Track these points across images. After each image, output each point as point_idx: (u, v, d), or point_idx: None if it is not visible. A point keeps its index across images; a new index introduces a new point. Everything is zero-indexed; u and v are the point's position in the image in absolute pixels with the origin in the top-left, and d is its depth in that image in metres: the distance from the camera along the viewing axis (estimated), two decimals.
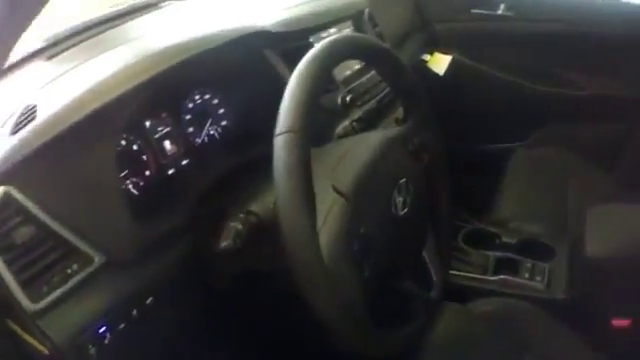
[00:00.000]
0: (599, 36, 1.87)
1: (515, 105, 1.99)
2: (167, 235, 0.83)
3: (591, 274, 1.16)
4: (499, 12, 1.91)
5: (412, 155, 0.89)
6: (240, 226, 0.78)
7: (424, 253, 0.97)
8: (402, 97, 0.94)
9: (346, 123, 1.13)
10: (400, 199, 0.81)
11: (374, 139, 0.86)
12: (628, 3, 1.86)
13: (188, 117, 1.00)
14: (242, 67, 1.03)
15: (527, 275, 1.27)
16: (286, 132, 0.62)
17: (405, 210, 0.81)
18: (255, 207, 0.80)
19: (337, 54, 0.73)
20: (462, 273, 1.31)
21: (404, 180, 0.82)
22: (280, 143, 0.63)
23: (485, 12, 1.92)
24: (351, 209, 0.73)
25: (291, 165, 0.61)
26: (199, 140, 1.02)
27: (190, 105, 1.00)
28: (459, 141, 2.05)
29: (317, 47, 0.71)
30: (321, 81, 0.69)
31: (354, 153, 0.82)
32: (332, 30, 1.27)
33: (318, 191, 0.64)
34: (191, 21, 1.23)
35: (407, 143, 0.89)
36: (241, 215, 0.79)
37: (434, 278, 0.97)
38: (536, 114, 2.00)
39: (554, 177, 1.72)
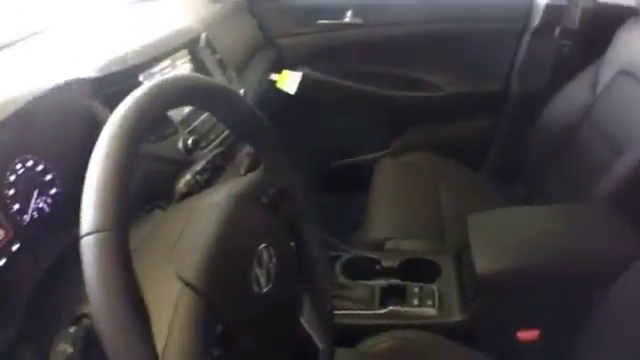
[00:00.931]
0: (448, 34, 1.89)
1: (373, 114, 1.95)
2: None
3: (484, 290, 1.10)
4: (346, 20, 1.85)
5: (268, 210, 0.73)
6: (74, 334, 0.59)
7: (302, 319, 0.82)
8: (247, 141, 0.79)
9: (188, 177, 0.95)
10: (262, 272, 0.65)
11: (218, 201, 0.69)
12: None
13: (12, 192, 0.76)
14: (65, 123, 0.82)
15: (416, 301, 1.17)
16: (94, 232, 0.45)
17: (270, 285, 0.65)
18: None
19: (147, 113, 0.55)
20: (347, 311, 1.18)
21: (263, 246, 0.66)
22: (87, 247, 0.45)
23: (332, 22, 1.86)
24: (203, 304, 0.55)
25: (107, 277, 0.44)
26: (27, 217, 0.79)
27: (12, 178, 0.77)
28: (319, 160, 2.00)
29: (122, 107, 0.53)
30: (133, 151, 0.51)
31: (197, 224, 0.65)
32: (165, 63, 1.09)
33: (158, 282, 0.51)
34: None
35: (260, 197, 0.73)
36: (74, 320, 0.61)
37: (319, 345, 0.83)
38: (396, 120, 1.98)
39: (423, 184, 1.67)
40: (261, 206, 0.72)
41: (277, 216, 0.75)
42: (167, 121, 1.00)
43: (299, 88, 1.59)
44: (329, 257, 1.33)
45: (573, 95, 1.60)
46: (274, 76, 1.63)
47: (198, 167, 0.98)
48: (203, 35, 1.24)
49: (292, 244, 0.81)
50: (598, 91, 1.53)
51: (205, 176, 0.99)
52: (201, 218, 0.66)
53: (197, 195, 0.81)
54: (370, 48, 1.90)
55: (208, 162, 1.01)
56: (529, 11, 1.86)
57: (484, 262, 1.08)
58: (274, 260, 0.67)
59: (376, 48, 1.91)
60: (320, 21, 1.85)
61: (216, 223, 0.64)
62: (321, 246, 0.88)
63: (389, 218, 1.51)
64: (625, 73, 1.45)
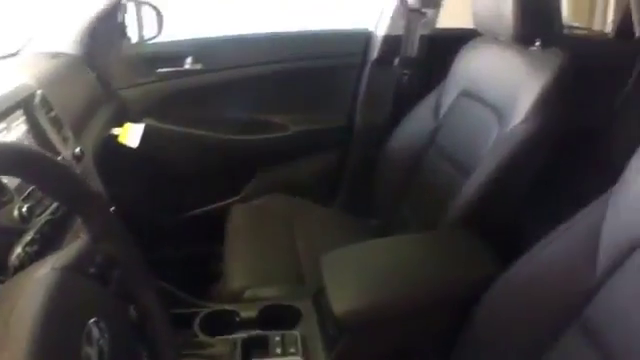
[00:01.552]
0: (289, 74, 1.93)
1: (221, 160, 1.92)
2: None
3: (345, 330, 1.09)
4: (186, 66, 1.83)
5: (96, 280, 0.68)
6: None
7: None
8: (70, 208, 0.73)
9: (19, 249, 0.86)
10: (93, 350, 0.60)
11: (42, 276, 0.63)
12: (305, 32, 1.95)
13: None
14: None
15: (279, 350, 1.14)
16: None
17: None
18: None
19: None
20: None
21: (93, 320, 0.61)
22: None
23: (172, 69, 1.82)
24: None
25: None
26: None
27: None
28: (170, 212, 1.92)
29: None
30: None
31: (23, 303, 0.58)
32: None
33: None
34: None
35: (87, 267, 0.68)
36: None
37: None
38: (244, 164, 1.97)
39: (277, 227, 1.66)
40: (89, 277, 0.67)
41: (107, 286, 0.70)
42: (3, 188, 0.91)
43: (142, 140, 1.53)
44: (186, 314, 1.27)
45: (417, 122, 1.67)
46: (116, 130, 1.55)
47: (28, 238, 0.90)
48: (38, 92, 1.16)
49: (131, 311, 0.76)
50: (441, 115, 1.61)
51: (35, 247, 0.90)
52: (26, 296, 0.59)
53: (26, 269, 0.73)
54: (212, 93, 1.89)
55: (37, 232, 0.93)
56: (368, 44, 1.96)
57: (340, 302, 1.06)
58: (106, 335, 0.62)
59: (218, 93, 1.90)
60: (160, 70, 1.81)
61: (40, 301, 0.58)
62: (164, 307, 0.83)
63: (245, 266, 1.48)
64: (466, 94, 1.54)
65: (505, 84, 1.41)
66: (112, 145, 1.52)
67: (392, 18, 1.92)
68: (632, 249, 0.74)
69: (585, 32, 2.64)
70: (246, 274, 1.44)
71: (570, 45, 1.37)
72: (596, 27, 3.32)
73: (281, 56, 1.92)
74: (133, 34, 1.73)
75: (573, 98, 1.35)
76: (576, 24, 4.31)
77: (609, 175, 0.84)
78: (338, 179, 2.04)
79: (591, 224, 0.82)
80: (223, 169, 1.92)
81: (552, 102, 1.31)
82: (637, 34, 2.42)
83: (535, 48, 1.40)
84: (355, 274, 1.13)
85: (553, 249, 0.88)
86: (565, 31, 1.70)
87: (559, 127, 1.34)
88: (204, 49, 1.85)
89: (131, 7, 1.68)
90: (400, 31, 1.91)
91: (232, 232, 1.64)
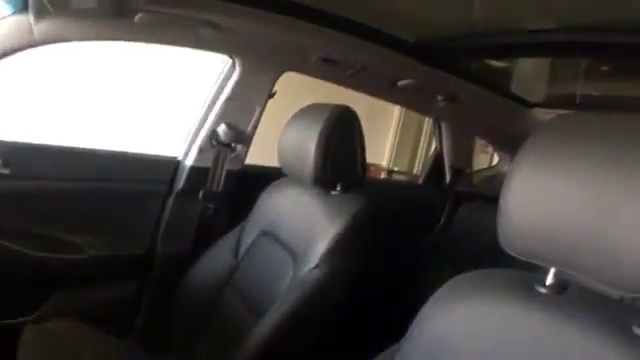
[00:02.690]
0: (93, 193, 1.79)
1: (13, 276, 1.68)
2: None
3: None
4: None
5: None
6: None
7: None
8: None
9: None
10: None
11: None
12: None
13: None
14: None
15: None
16: None
17: None
18: None
19: None
20: None
21: None
22: None
23: None
24: None
25: None
26: None
27: None
28: None
29: None
30: None
31: None
32: None
33: None
34: None
35: None
36: None
37: None
38: (39, 284, 1.75)
39: (68, 356, 1.46)
40: None
41: None
42: None
43: None
44: None
45: (217, 259, 1.63)
46: None
47: None
48: None
49: None
50: (240, 254, 1.59)
51: None
52: None
53: None
54: (16, 202, 1.70)
55: None
56: (176, 172, 1.91)
57: None
58: None
59: (22, 203, 1.72)
60: None
61: None
62: None
63: None
64: (265, 234, 1.55)
65: (302, 227, 1.44)
66: None
67: (201, 149, 1.90)
68: None
69: (402, 176, 2.86)
70: None
71: (374, 191, 1.43)
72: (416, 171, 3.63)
73: (88, 173, 1.81)
74: None
75: (371, 243, 1.40)
76: (397, 168, 4.78)
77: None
78: (135, 310, 1.87)
79: None
80: (16, 285, 1.68)
81: (346, 248, 1.34)
82: (447, 181, 2.67)
83: (336, 193, 1.46)
84: None
85: None
86: (383, 175, 1.82)
87: (352, 272, 1.36)
88: (12, 153, 1.67)
89: None
90: (208, 163, 1.90)
91: (23, 356, 1.41)
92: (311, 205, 1.46)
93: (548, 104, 2.36)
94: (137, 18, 1.47)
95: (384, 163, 4.89)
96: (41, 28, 1.44)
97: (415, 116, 4.70)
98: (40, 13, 1.40)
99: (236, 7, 1.54)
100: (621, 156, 0.64)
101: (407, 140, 5.02)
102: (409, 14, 1.70)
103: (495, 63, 2.15)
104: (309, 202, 1.47)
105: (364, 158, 1.52)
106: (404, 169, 4.88)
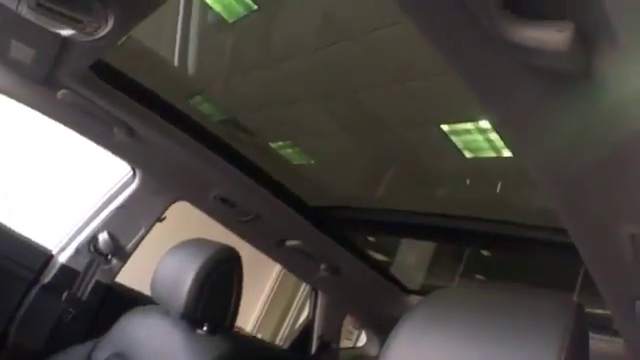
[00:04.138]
0: None
1: None
2: None
3: None
4: None
5: None
6: None
7: None
8: None
9: None
10: None
11: None
12: None
13: None
14: None
15: None
16: None
17: None
18: None
19: None
20: None
21: None
22: None
23: None
24: None
25: None
26: None
27: None
28: None
29: None
30: None
31: None
32: None
33: None
34: None
35: None
36: None
37: None
38: None
39: None
40: None
41: None
42: None
43: None
44: None
45: None
46: None
47: None
48: None
49: None
50: None
51: None
52: None
53: None
54: None
55: None
56: (46, 265, 1.76)
57: None
58: None
59: None
60: None
61: None
62: None
63: None
64: (117, 356, 1.43)
65: None
66: None
67: (77, 250, 1.79)
68: None
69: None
70: None
71: (241, 343, 1.36)
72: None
73: None
74: None
75: None
76: (260, 336, 4.60)
77: None
78: None
79: None
80: None
81: None
82: (312, 350, 2.58)
83: (202, 332, 1.39)
84: None
85: None
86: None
87: None
88: None
89: None
90: (80, 267, 1.78)
91: None
92: (174, 340, 1.37)
93: (424, 292, 2.45)
94: (60, 94, 1.42)
95: (248, 328, 4.70)
96: None
97: (291, 283, 4.70)
98: None
99: (153, 116, 1.55)
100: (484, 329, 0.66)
101: (277, 307, 4.92)
102: (316, 179, 1.78)
103: (381, 245, 2.26)
104: (172, 335, 1.39)
105: (238, 305, 1.48)
106: (267, 338, 4.70)
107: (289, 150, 2.51)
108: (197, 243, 1.49)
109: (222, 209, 1.88)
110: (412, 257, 2.35)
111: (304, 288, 4.39)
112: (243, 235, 2.07)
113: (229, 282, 1.44)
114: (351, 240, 2.15)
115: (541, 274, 3.22)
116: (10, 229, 1.73)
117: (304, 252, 2.09)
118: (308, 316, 2.69)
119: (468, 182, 2.35)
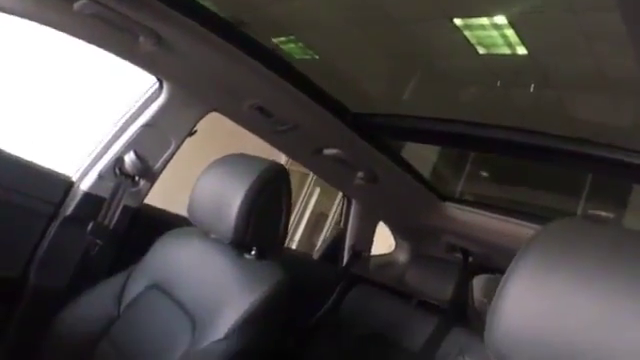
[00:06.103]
0: None
1: None
2: None
3: None
4: None
5: None
6: None
7: None
8: None
9: None
10: None
11: None
12: None
13: None
14: None
15: None
16: None
17: None
18: None
19: None
20: None
21: None
22: None
23: None
24: None
25: None
26: None
27: None
28: None
29: None
30: None
31: None
32: None
33: None
34: None
35: None
36: None
37: None
38: None
39: None
40: None
41: None
42: None
43: None
44: None
45: (95, 304, 1.39)
46: None
47: None
48: None
49: None
50: (123, 305, 1.37)
51: None
52: None
53: None
54: None
55: None
56: (66, 195, 1.62)
57: None
58: None
59: None
60: None
61: None
62: None
63: None
64: (155, 287, 1.35)
65: (207, 290, 1.27)
66: None
67: (101, 175, 1.65)
68: None
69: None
70: None
71: (292, 267, 1.29)
72: None
73: None
74: None
75: (282, 317, 1.26)
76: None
77: None
78: (3, 339, 1.52)
79: None
80: None
81: (261, 322, 1.19)
82: (344, 262, 2.55)
83: (250, 257, 1.32)
84: None
85: None
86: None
87: (263, 349, 1.21)
88: None
89: None
90: (105, 193, 1.64)
91: None
92: (221, 266, 1.30)
93: (460, 200, 2.39)
94: (77, 5, 1.25)
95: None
96: None
97: None
98: None
99: (185, 20, 1.37)
100: (626, 269, 0.61)
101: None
102: (356, 84, 1.64)
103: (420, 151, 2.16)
104: (218, 262, 1.31)
105: (287, 225, 1.40)
106: None
107: (292, 45, 2.37)
108: (242, 160, 1.37)
109: (258, 119, 1.74)
110: (449, 167, 2.26)
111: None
112: (278, 145, 1.95)
113: (278, 202, 1.35)
114: (391, 147, 2.04)
115: (548, 178, 3.16)
116: (22, 159, 1.56)
117: (341, 160, 1.99)
118: (338, 226, 2.64)
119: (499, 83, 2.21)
